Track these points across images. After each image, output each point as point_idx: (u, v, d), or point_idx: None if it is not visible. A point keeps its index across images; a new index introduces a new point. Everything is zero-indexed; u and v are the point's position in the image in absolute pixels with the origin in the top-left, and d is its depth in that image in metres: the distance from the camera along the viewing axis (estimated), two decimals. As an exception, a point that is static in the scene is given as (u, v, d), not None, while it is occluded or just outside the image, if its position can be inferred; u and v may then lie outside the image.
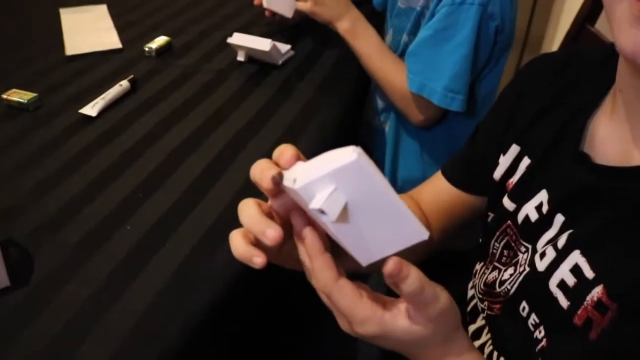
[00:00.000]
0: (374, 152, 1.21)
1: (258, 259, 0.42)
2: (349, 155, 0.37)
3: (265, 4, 1.12)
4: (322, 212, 0.38)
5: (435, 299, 0.42)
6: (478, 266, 0.68)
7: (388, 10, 1.18)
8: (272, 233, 0.42)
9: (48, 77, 0.95)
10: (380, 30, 1.10)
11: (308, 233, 0.43)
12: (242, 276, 0.60)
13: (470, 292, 0.69)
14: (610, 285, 0.46)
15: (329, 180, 0.38)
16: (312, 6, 1.03)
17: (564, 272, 0.50)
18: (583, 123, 0.56)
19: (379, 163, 1.17)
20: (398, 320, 0.43)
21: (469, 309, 0.67)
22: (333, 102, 0.94)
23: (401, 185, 1.14)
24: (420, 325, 0.43)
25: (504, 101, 0.70)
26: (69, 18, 1.20)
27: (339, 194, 0.39)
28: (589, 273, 0.48)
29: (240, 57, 1.03)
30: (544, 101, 0.61)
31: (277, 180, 0.41)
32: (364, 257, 0.43)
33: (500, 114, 0.69)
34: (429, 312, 0.42)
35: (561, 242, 0.52)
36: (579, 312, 0.47)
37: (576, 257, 0.49)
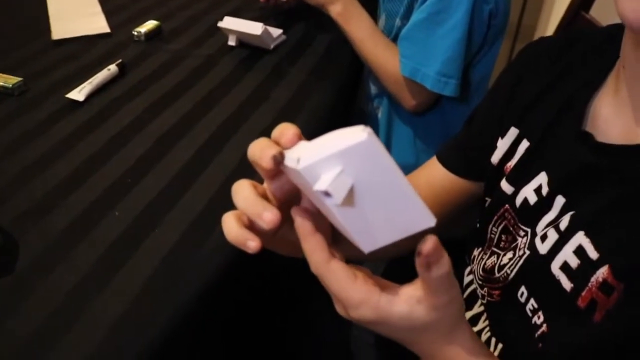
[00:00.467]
0: None
1: (252, 243, 0.41)
2: (358, 134, 0.34)
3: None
4: (327, 194, 0.36)
5: (452, 287, 0.41)
6: (476, 252, 0.67)
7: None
8: (269, 216, 0.40)
9: (34, 62, 0.93)
10: (374, 15, 1.09)
11: (297, 212, 0.41)
12: (233, 261, 0.59)
13: (468, 278, 0.68)
14: (616, 265, 0.45)
15: (335, 160, 0.36)
16: None
17: (567, 254, 0.50)
18: (585, 103, 0.55)
19: None
20: (395, 305, 0.41)
21: (465, 295, 0.67)
22: (325, 88, 0.93)
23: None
24: (423, 312, 0.41)
25: (501, 85, 0.69)
26: (55, 2, 1.18)
27: (346, 176, 0.36)
28: (593, 254, 0.47)
29: (231, 42, 1.01)
30: (543, 83, 0.60)
31: (279, 159, 0.38)
32: (367, 244, 0.41)
33: (498, 97, 0.68)
34: (439, 299, 0.41)
35: (563, 223, 0.51)
36: (583, 294, 0.47)
37: (580, 238, 0.49)
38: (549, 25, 1.76)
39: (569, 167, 0.53)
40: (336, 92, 0.95)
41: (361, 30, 1.02)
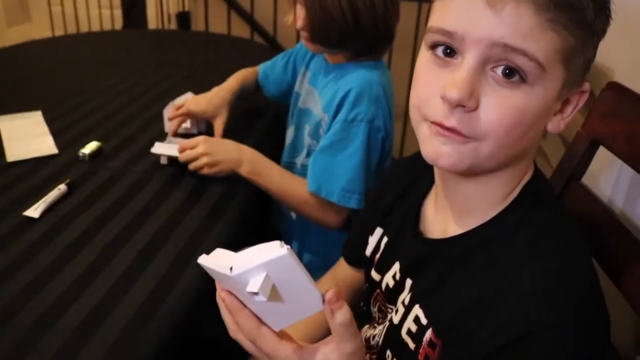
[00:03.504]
0: (284, 235, 1.37)
1: None
2: (279, 250, 0.47)
3: (166, 129, 1.30)
4: (256, 294, 0.48)
5: (356, 337, 0.53)
6: (365, 328, 0.85)
7: (290, 109, 1.36)
8: None
9: (-8, 183, 1.09)
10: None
11: (225, 296, 0.54)
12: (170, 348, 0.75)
13: None
14: (437, 327, 0.64)
15: (262, 268, 0.48)
16: (208, 169, 1.12)
17: (409, 322, 0.68)
18: (418, 208, 0.76)
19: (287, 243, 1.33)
20: (315, 356, 0.54)
21: None
22: (244, 194, 1.12)
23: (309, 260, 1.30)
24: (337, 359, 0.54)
25: (372, 195, 0.92)
26: (7, 125, 1.33)
27: (269, 279, 0.48)
28: (424, 320, 0.66)
29: (163, 161, 1.18)
30: (396, 194, 0.82)
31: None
32: (277, 324, 0.54)
33: (369, 204, 0.90)
34: (347, 346, 0.52)
35: (407, 299, 0.71)
36: (420, 350, 0.65)
37: (417, 309, 0.68)
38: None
39: (409, 256, 0.73)
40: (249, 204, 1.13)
41: (272, 179, 1.15)
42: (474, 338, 0.58)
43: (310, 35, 1.13)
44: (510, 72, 0.55)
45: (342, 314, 0.51)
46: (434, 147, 0.59)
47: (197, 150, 1.11)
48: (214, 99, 1.32)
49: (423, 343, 0.65)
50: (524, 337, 0.54)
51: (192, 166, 1.12)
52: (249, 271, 0.48)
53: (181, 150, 1.13)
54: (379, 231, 0.83)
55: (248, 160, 1.14)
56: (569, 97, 0.61)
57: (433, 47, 0.59)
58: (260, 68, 1.49)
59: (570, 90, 0.60)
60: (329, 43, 1.13)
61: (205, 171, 1.12)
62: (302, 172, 1.25)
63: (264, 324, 0.55)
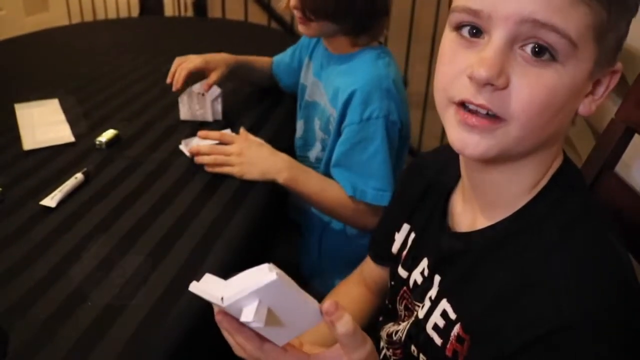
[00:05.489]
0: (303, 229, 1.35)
1: None
2: (268, 275, 0.46)
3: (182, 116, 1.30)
4: (251, 322, 0.47)
5: (364, 343, 0.52)
6: (389, 324, 0.83)
7: (297, 102, 1.35)
8: None
9: (9, 172, 1.07)
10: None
11: (222, 319, 0.53)
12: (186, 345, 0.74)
13: (381, 344, 0.84)
14: (465, 322, 0.62)
15: (253, 296, 0.47)
16: (239, 170, 1.08)
17: (436, 317, 0.66)
18: (446, 202, 0.74)
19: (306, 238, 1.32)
20: None
21: (381, 356, 0.83)
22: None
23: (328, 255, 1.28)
24: None
25: (397, 191, 0.89)
26: (24, 113, 1.32)
27: (263, 305, 0.47)
28: (452, 315, 0.64)
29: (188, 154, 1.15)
30: (423, 187, 0.79)
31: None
32: (280, 340, 0.53)
33: (395, 201, 0.88)
34: (355, 355, 0.51)
35: (434, 294, 0.69)
36: (447, 346, 0.63)
37: (444, 304, 0.66)
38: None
39: (438, 252, 0.71)
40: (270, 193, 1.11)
41: (310, 186, 1.11)
42: (502, 332, 0.56)
43: (303, 11, 1.09)
44: (540, 51, 0.52)
45: (343, 325, 0.50)
46: (460, 136, 0.57)
47: (230, 149, 1.09)
48: (215, 57, 1.32)
49: (451, 338, 0.63)
50: (555, 332, 0.52)
51: (215, 160, 1.09)
52: (240, 300, 0.48)
53: (217, 141, 1.13)
54: (406, 227, 0.81)
55: (286, 167, 1.10)
56: (600, 78, 0.58)
57: (458, 27, 0.56)
58: (275, 59, 1.48)
59: (602, 70, 0.57)
60: (324, 14, 1.08)
61: (236, 170, 1.08)
62: (316, 166, 1.24)
63: (267, 339, 0.54)
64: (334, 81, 1.16)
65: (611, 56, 0.56)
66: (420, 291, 0.73)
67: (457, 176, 0.72)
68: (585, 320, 0.52)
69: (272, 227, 1.18)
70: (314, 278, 1.31)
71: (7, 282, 0.80)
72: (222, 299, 0.48)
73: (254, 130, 1.28)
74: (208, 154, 1.10)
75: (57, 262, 0.84)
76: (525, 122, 0.54)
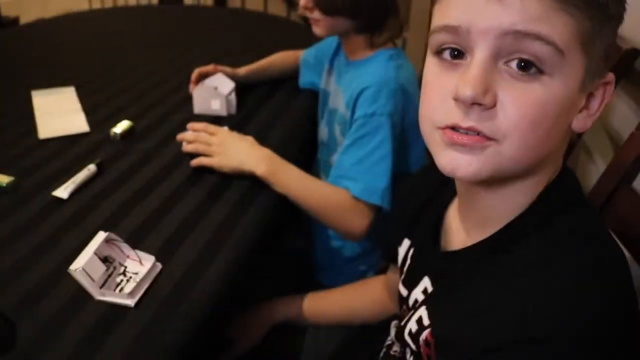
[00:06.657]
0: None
1: None
2: None
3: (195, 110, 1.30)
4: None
5: None
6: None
7: (319, 107, 1.35)
8: None
9: (23, 161, 1.08)
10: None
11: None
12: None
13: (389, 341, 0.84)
14: (434, 327, 0.62)
15: None
16: (218, 161, 1.07)
17: (412, 323, 0.67)
18: (441, 219, 0.73)
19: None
20: None
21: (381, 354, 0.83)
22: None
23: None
24: None
25: (398, 204, 0.89)
26: (41, 100, 1.33)
27: None
28: (426, 321, 0.64)
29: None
30: (422, 202, 0.78)
31: None
32: None
33: (396, 214, 0.88)
34: None
35: (415, 300, 0.70)
36: (421, 349, 0.64)
37: (422, 311, 0.66)
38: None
39: (432, 270, 0.70)
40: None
41: (291, 181, 1.06)
42: (466, 337, 0.56)
43: (314, 7, 1.12)
44: (526, 65, 0.50)
45: None
46: (449, 157, 0.54)
47: (212, 139, 1.10)
48: (226, 69, 1.39)
49: (420, 342, 0.64)
50: (520, 342, 0.51)
51: (197, 149, 1.10)
52: None
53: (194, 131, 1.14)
54: (406, 242, 0.80)
55: (265, 160, 1.07)
56: (592, 91, 0.56)
57: (439, 51, 0.55)
58: (303, 57, 1.50)
59: (593, 81, 0.55)
60: (334, 8, 1.11)
61: (205, 162, 1.08)
62: None
63: None
64: (350, 86, 1.17)
65: (601, 66, 0.55)
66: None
67: (454, 192, 0.71)
68: (555, 337, 0.50)
69: (284, 226, 1.18)
70: (325, 269, 1.32)
71: (15, 275, 0.80)
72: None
73: (268, 125, 1.28)
74: (192, 142, 1.11)
75: (68, 254, 0.84)
76: (518, 140, 0.52)
